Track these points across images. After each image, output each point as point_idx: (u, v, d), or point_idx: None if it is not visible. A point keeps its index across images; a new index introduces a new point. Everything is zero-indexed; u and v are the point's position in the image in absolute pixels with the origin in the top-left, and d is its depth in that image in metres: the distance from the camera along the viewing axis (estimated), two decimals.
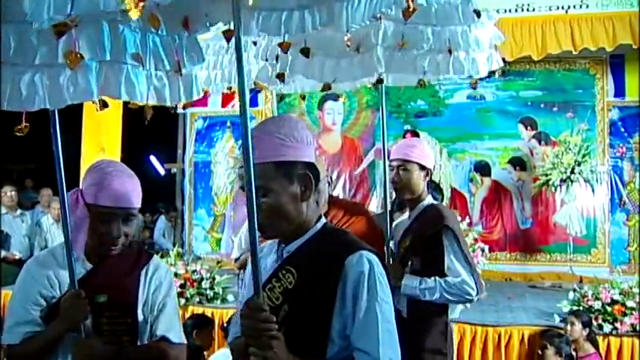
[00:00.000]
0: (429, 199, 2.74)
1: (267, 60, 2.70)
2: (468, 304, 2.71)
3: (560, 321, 4.23)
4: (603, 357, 4.09)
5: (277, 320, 1.34)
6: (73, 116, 6.81)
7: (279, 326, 1.33)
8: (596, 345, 3.99)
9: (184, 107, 7.99)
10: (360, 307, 1.35)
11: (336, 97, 7.86)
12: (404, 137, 6.00)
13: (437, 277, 2.53)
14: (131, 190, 1.84)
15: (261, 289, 1.37)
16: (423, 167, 2.68)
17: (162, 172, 10.70)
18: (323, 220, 1.53)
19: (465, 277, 2.53)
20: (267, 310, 1.32)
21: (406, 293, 2.55)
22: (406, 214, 2.87)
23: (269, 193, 1.43)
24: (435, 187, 3.93)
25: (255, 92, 7.35)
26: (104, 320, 1.82)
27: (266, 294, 1.42)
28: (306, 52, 2.14)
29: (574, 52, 5.80)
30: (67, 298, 1.77)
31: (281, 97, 7.88)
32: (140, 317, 1.87)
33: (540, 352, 3.76)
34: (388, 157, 2.78)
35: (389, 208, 2.81)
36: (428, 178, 2.73)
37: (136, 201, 1.86)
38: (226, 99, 8.06)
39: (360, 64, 2.54)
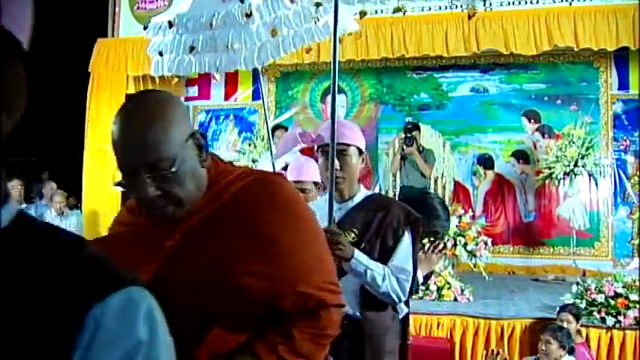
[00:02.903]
0: (362, 186, 2.48)
1: None
2: (398, 307, 2.47)
3: (558, 313, 4.22)
4: (606, 350, 4.09)
5: None
6: (76, 116, 6.84)
7: None
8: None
9: (187, 100, 8.03)
10: None
11: (339, 91, 7.84)
12: (404, 131, 5.95)
13: (385, 267, 2.27)
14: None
15: None
16: (361, 151, 2.36)
17: None
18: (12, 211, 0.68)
19: (411, 278, 2.30)
20: None
21: (355, 269, 2.22)
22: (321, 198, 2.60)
23: None
24: None
25: (257, 85, 7.34)
26: None
27: None
28: None
29: (576, 49, 5.78)
30: None
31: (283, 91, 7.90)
32: None
33: (544, 348, 3.75)
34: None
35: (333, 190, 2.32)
36: (363, 165, 2.44)
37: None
38: (229, 92, 8.07)
39: None
